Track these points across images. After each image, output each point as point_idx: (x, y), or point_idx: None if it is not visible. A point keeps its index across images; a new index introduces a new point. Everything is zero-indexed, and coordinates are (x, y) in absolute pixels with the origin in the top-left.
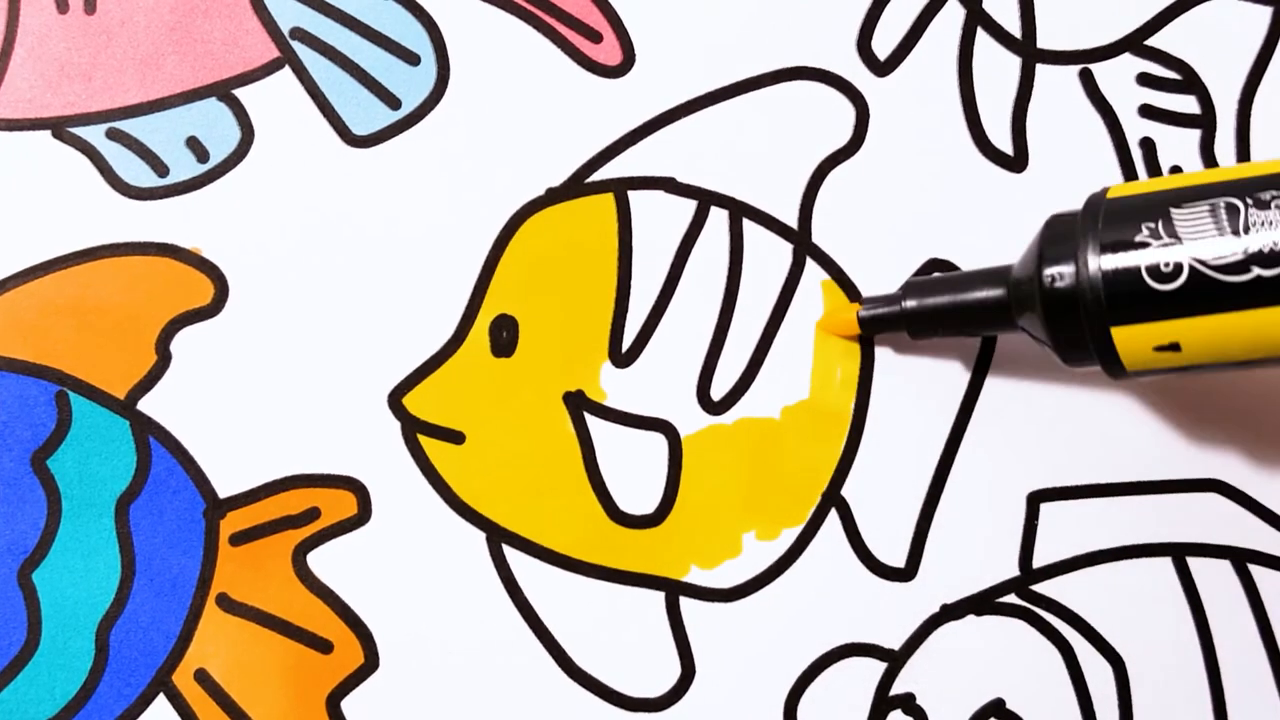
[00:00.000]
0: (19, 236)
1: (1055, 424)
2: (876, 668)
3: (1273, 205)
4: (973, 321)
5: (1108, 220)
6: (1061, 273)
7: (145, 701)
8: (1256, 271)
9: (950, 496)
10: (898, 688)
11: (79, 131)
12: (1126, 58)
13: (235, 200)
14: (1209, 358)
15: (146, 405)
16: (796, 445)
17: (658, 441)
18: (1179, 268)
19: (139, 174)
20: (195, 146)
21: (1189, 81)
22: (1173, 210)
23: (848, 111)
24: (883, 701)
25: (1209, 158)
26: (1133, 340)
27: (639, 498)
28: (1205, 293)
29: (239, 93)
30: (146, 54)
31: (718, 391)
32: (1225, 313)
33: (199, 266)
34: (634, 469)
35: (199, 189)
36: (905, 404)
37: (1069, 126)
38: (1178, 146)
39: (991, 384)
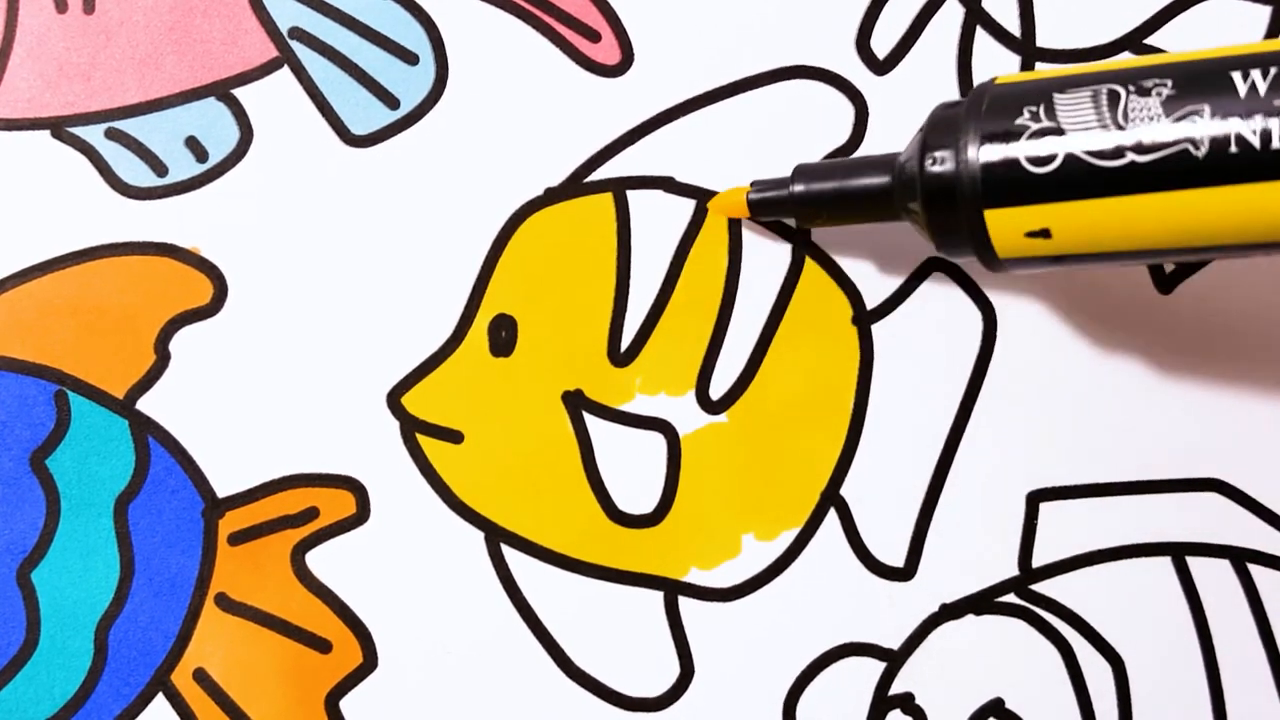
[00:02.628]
0: (18, 236)
1: (1055, 423)
2: (876, 667)
3: (1154, 93)
4: (858, 208)
5: (991, 106)
6: (942, 157)
7: (144, 701)
8: (1131, 158)
9: (949, 496)
10: (897, 687)
11: (78, 131)
12: (1125, 56)
13: (234, 200)
14: (1079, 246)
15: (145, 405)
16: (795, 445)
17: (656, 441)
18: (1054, 153)
19: (138, 174)
20: (194, 146)
21: None
22: (1055, 95)
23: (847, 110)
24: (882, 701)
25: None
26: (1005, 225)
27: (638, 497)
28: (1079, 177)
29: (238, 92)
30: (145, 54)
31: (716, 391)
32: (1097, 198)
33: (198, 266)
34: (633, 469)
35: (198, 189)
36: (904, 403)
37: None
38: None
39: (991, 383)
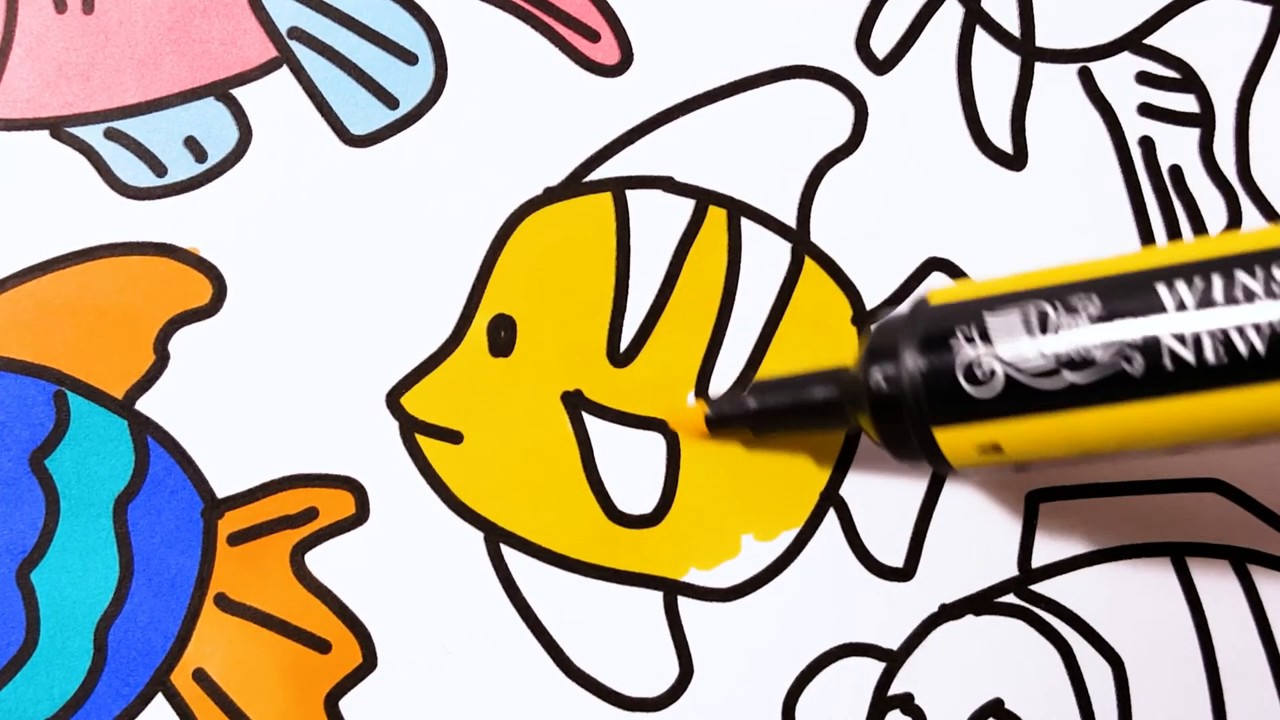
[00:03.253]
0: (17, 236)
1: None
2: (875, 667)
3: (1081, 310)
4: (811, 420)
5: (926, 327)
6: (886, 374)
7: (144, 701)
8: (1067, 377)
9: (949, 496)
10: (896, 687)
11: (77, 131)
12: (1125, 56)
13: (233, 200)
14: (1034, 455)
15: (145, 405)
16: (794, 445)
17: (656, 441)
18: (992, 371)
19: (137, 174)
20: (193, 146)
21: (1188, 80)
22: (985, 314)
23: (846, 110)
24: (881, 701)
25: (1208, 156)
26: (956, 441)
27: (637, 498)
28: (1019, 396)
29: (237, 92)
30: (144, 54)
31: (716, 390)
32: (1041, 414)
33: (197, 266)
34: (632, 469)
35: (197, 189)
36: None
37: (1068, 125)
38: (1177, 145)
39: None
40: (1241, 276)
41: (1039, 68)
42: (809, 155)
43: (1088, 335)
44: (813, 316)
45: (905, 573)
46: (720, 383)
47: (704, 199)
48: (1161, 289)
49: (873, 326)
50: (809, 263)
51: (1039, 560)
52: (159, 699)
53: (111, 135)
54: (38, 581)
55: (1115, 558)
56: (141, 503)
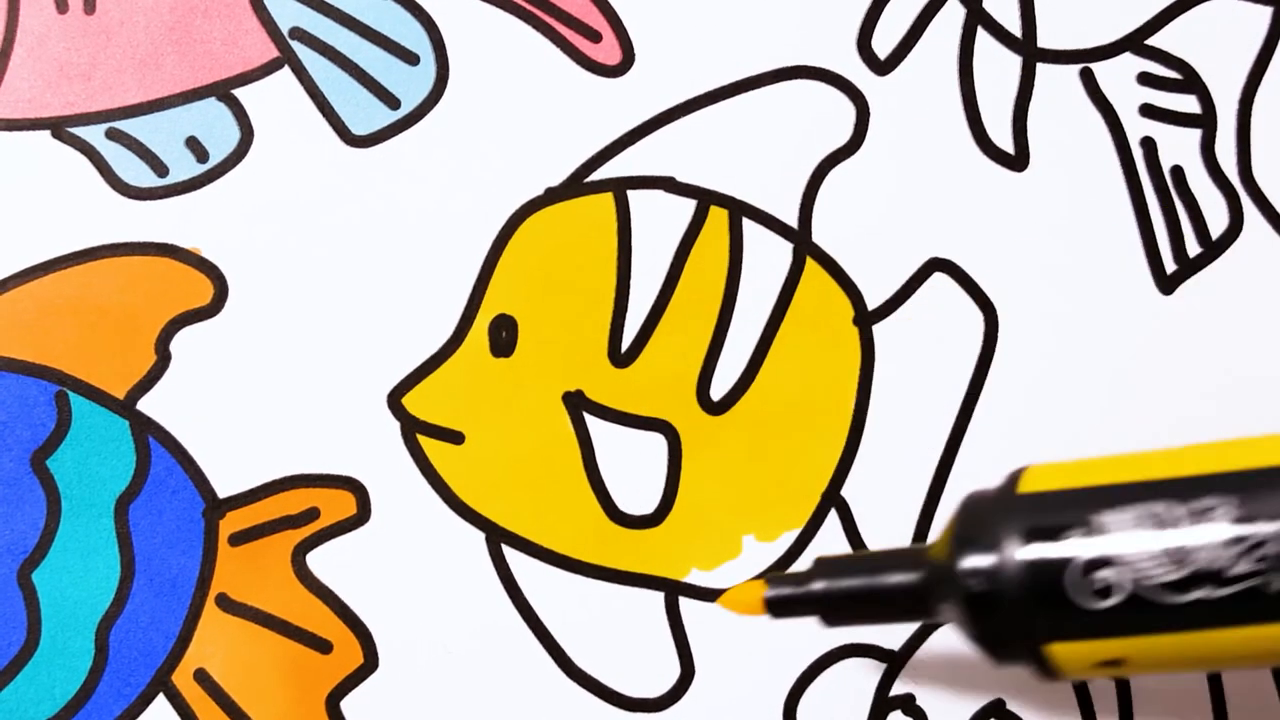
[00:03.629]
0: (18, 237)
1: (1056, 423)
2: (876, 668)
3: (1215, 517)
4: (886, 609)
5: (1031, 517)
6: (983, 567)
7: (145, 701)
8: (1197, 594)
9: (951, 496)
10: (898, 688)
11: (78, 131)
12: (1127, 57)
13: (235, 200)
14: (1155, 669)
15: (146, 405)
16: (796, 445)
17: (657, 442)
18: (1110, 584)
19: (138, 174)
20: (195, 146)
21: (1189, 81)
22: (1103, 514)
23: (848, 110)
24: (883, 702)
25: (1210, 157)
26: (1071, 656)
27: (638, 498)
28: (1144, 611)
29: (238, 93)
30: (146, 54)
31: (717, 391)
32: (1168, 634)
33: (198, 266)
34: (633, 469)
35: (198, 189)
36: (905, 403)
37: (1070, 126)
38: (1178, 146)
39: (992, 383)
40: None
41: (1040, 68)
42: (810, 156)
43: (1222, 548)
44: (814, 317)
45: None
46: (722, 383)
47: (705, 199)
48: None
49: (961, 504)
50: (810, 263)
51: None
52: (160, 699)
53: (113, 135)
54: (39, 582)
55: None
56: (143, 503)
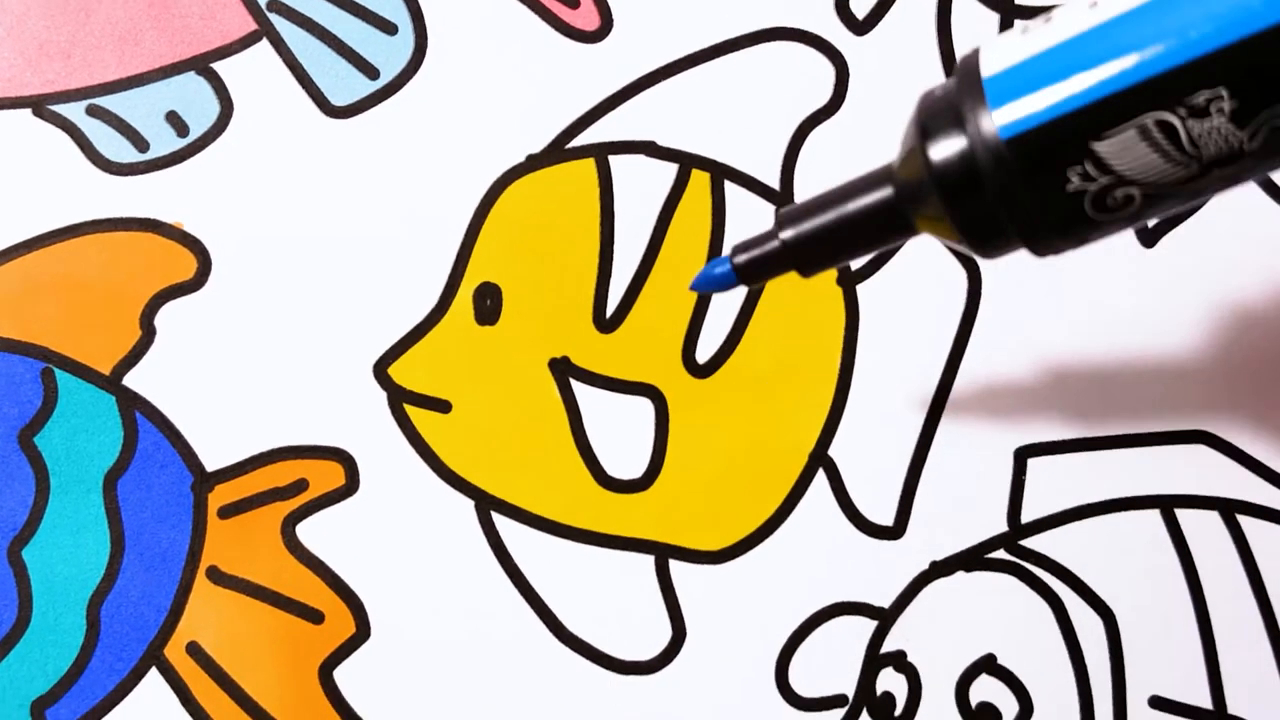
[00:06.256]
0: (1, 215)
1: (1041, 379)
2: (867, 626)
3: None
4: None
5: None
6: (955, 147)
7: (138, 675)
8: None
9: (937, 454)
10: (888, 645)
11: (59, 109)
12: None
13: (216, 174)
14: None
15: (132, 380)
16: (782, 407)
17: (644, 406)
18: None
19: (119, 150)
20: (175, 121)
21: None
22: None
23: (827, 71)
24: (874, 659)
25: None
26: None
27: (627, 462)
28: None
29: (217, 66)
30: (125, 30)
31: (703, 355)
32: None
33: (181, 241)
34: (621, 434)
35: (179, 163)
36: (891, 362)
37: None
38: None
39: (977, 340)
40: None
41: (1018, 25)
42: (791, 117)
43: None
44: (798, 278)
45: (895, 531)
46: (707, 346)
47: (687, 163)
48: None
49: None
50: None
51: (1028, 515)
52: (153, 673)
53: (93, 112)
54: (29, 559)
55: (1104, 511)
56: (131, 478)
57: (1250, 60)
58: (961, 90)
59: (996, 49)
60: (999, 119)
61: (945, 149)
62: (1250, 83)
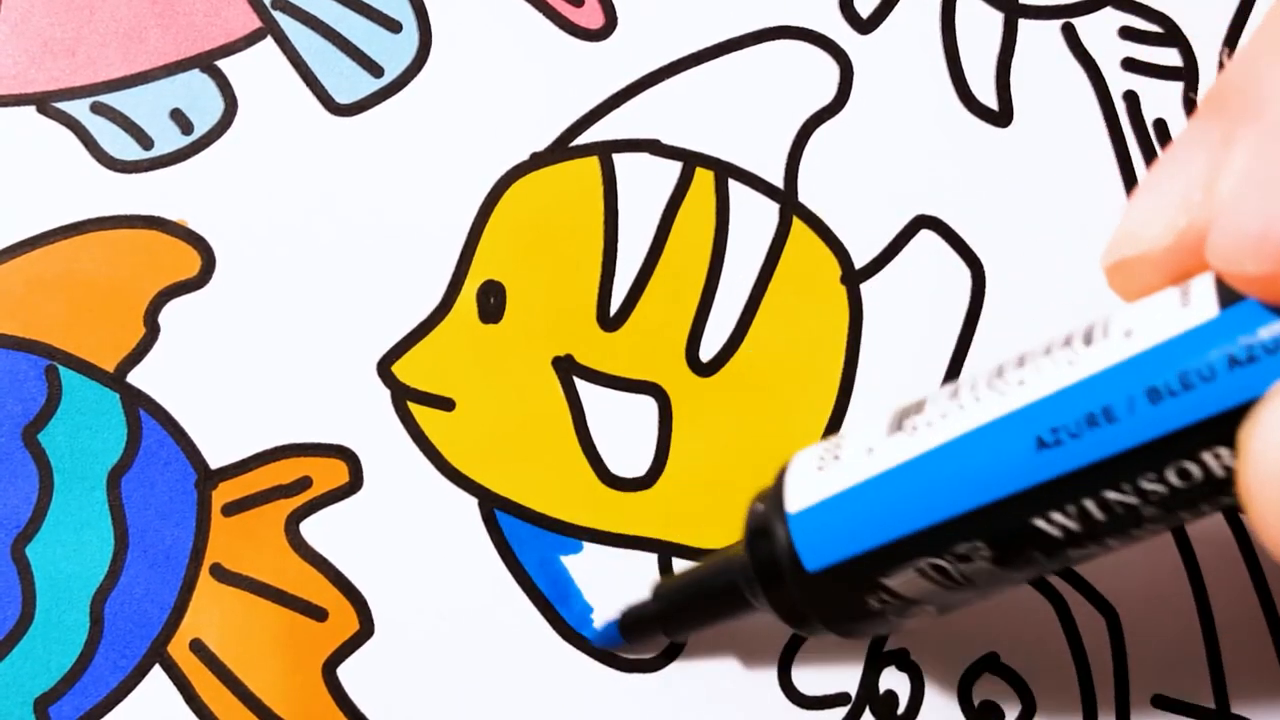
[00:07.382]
0: (5, 212)
1: None
2: None
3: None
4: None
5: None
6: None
7: (141, 672)
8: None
9: None
10: (891, 644)
11: (63, 106)
12: (1108, 11)
13: (220, 171)
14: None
15: (136, 378)
16: (786, 405)
17: (648, 405)
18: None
19: (124, 147)
20: (179, 118)
21: (1171, 34)
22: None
23: (831, 70)
24: (876, 658)
25: (1191, 110)
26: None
27: (630, 461)
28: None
29: (222, 64)
30: (129, 28)
31: (707, 353)
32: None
33: (185, 238)
34: (624, 432)
35: (184, 161)
36: (895, 361)
37: (1053, 81)
38: (1161, 99)
39: (981, 340)
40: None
41: (1022, 24)
42: (795, 115)
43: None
44: (802, 276)
45: None
46: (711, 344)
47: (691, 161)
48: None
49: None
50: (797, 223)
51: None
52: (156, 670)
53: (98, 109)
54: (33, 556)
55: None
56: (135, 475)
57: (998, 521)
58: (772, 517)
59: (798, 478)
60: (803, 554)
61: (763, 561)
62: (1004, 536)
